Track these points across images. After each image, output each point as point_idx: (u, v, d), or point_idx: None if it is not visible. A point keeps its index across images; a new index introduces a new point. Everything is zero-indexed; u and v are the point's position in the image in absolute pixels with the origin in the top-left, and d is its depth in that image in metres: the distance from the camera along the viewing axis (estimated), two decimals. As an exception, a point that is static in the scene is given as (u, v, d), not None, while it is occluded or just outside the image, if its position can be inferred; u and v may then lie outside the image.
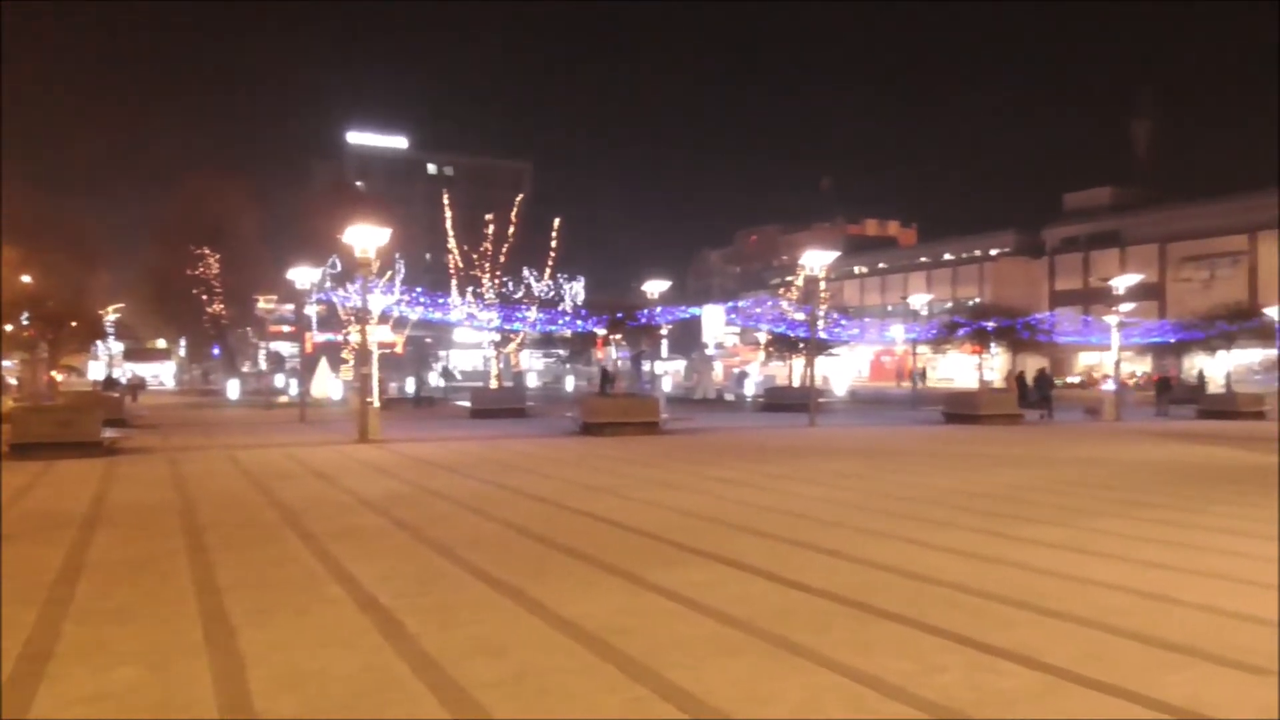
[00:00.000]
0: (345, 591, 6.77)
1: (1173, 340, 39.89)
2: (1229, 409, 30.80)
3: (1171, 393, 34.64)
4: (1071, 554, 8.04)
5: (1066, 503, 11.08)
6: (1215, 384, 39.54)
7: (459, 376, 74.16)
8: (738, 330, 67.40)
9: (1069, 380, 67.52)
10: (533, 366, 74.95)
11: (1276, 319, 34.64)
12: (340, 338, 47.76)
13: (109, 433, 18.27)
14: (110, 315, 51.91)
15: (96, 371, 56.79)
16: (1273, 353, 38.82)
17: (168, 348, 73.69)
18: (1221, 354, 38.50)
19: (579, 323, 36.21)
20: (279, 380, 54.80)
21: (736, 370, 63.85)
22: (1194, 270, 69.79)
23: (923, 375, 63.38)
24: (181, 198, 54.91)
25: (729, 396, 45.82)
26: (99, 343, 52.46)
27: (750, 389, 46.55)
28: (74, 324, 36.47)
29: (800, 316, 37.33)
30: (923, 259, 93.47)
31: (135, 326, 67.86)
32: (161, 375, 73.40)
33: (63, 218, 50.67)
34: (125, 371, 62.14)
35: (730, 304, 44.02)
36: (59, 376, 41.27)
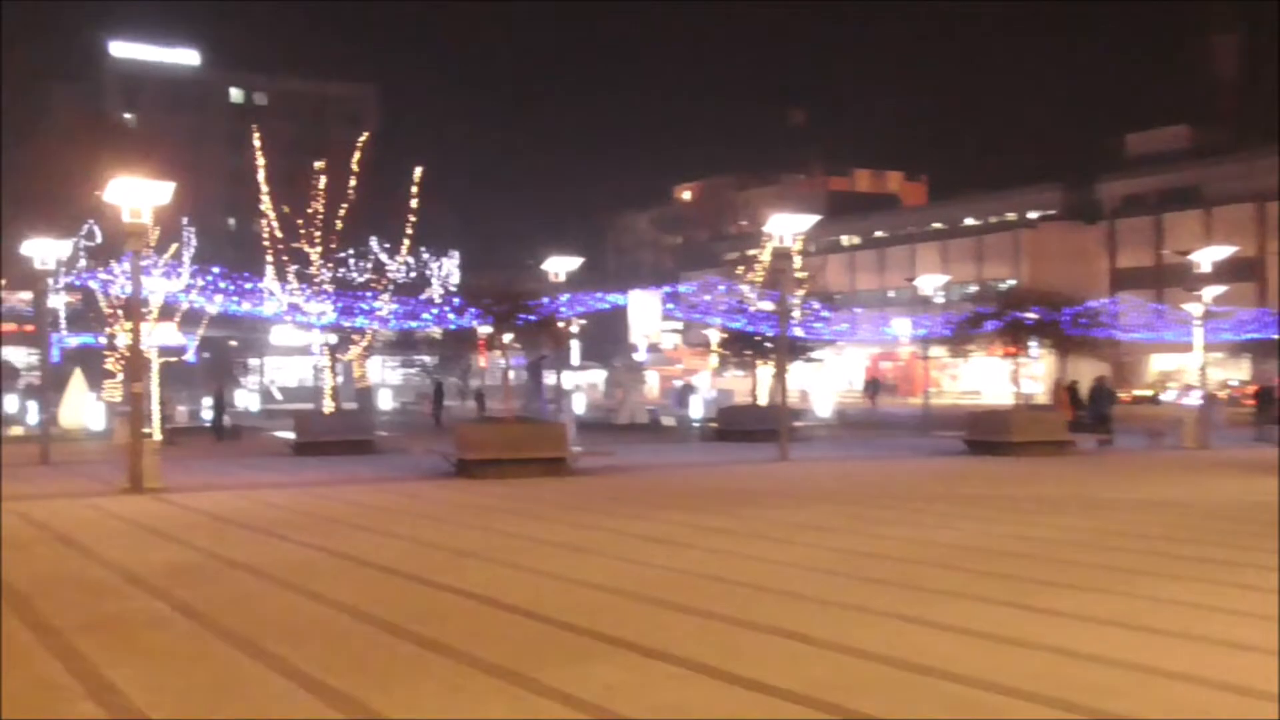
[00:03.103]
0: (103, 711, 6.68)
1: (1277, 336, 41.31)
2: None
3: (1276, 408, 35.75)
4: (1126, 633, 8.30)
5: (1120, 562, 11.44)
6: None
7: (278, 395, 73.44)
8: (679, 326, 67.89)
9: (1138, 393, 69.17)
10: (386, 381, 74.56)
11: None
12: (102, 340, 46.78)
13: None
14: None
15: None
16: None
17: None
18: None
19: (451, 316, 36.18)
20: (9, 403, 53.48)
21: (678, 383, 64.32)
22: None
23: (889, 389, 64.51)
24: None
25: (667, 420, 46.13)
26: None
27: (697, 409, 46.89)
28: None
29: (766, 306, 37.69)
30: (936, 225, 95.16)
31: None
32: None
33: None
34: None
35: (668, 289, 44.31)
36: None
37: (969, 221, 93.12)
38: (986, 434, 28.20)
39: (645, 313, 42.13)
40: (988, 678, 7.10)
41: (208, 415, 46.43)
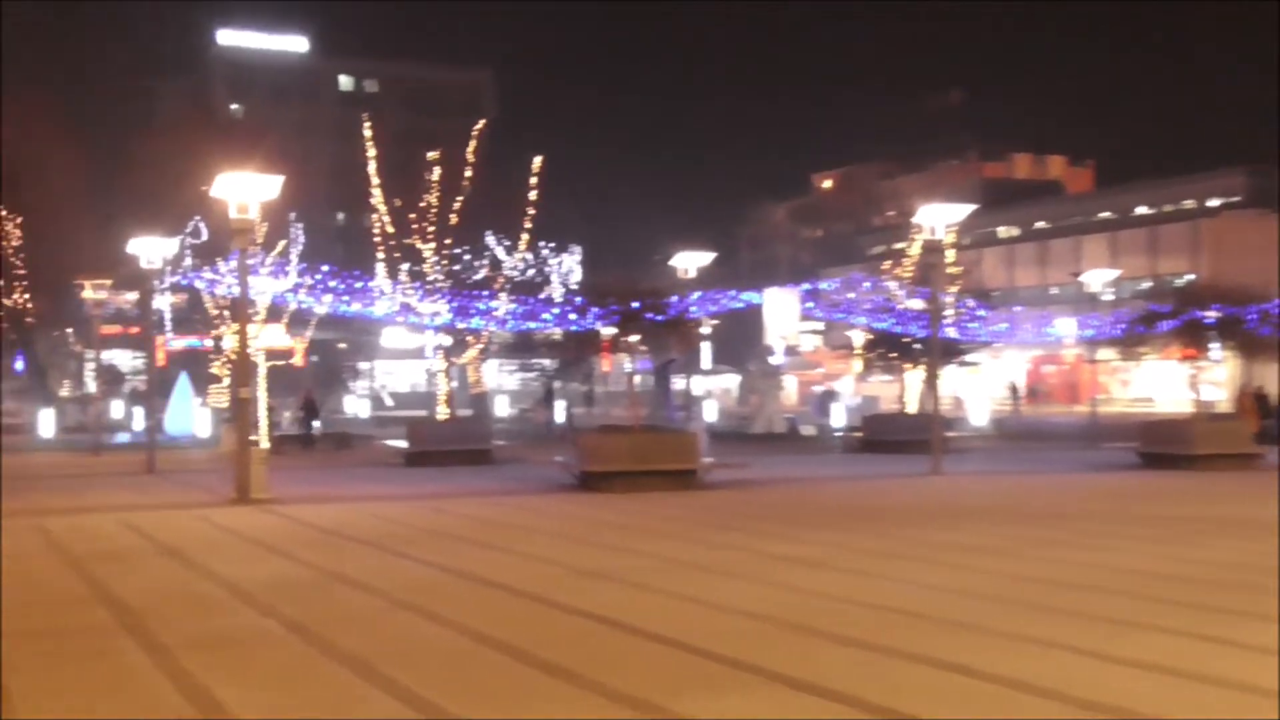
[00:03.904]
0: (212, 733, 6.83)
1: None
2: None
3: None
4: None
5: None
6: None
7: (389, 401, 74.64)
8: (819, 327, 67.39)
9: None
10: (503, 386, 75.30)
11: None
12: (208, 343, 47.96)
13: None
14: None
15: None
16: None
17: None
18: None
19: (573, 316, 36.39)
20: (115, 409, 55.11)
21: (818, 389, 63.92)
22: None
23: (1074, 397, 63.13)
24: None
25: (806, 429, 45.85)
26: None
27: (839, 418, 46.56)
28: None
29: (916, 305, 37.28)
30: (1103, 214, 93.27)
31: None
32: None
33: None
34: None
35: (807, 286, 44.07)
36: None
37: (1141, 210, 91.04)
38: (1162, 446, 27.52)
39: (782, 312, 41.93)
40: (1172, 717, 6.90)
41: (314, 422, 47.37)
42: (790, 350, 51.24)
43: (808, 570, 12.59)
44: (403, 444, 30.94)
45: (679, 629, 9.46)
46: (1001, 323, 45.79)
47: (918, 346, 36.84)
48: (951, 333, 37.70)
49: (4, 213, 52.76)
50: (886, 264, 42.93)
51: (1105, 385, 68.25)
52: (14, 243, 53.19)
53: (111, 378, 62.78)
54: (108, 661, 8.61)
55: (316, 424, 40.50)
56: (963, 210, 28.19)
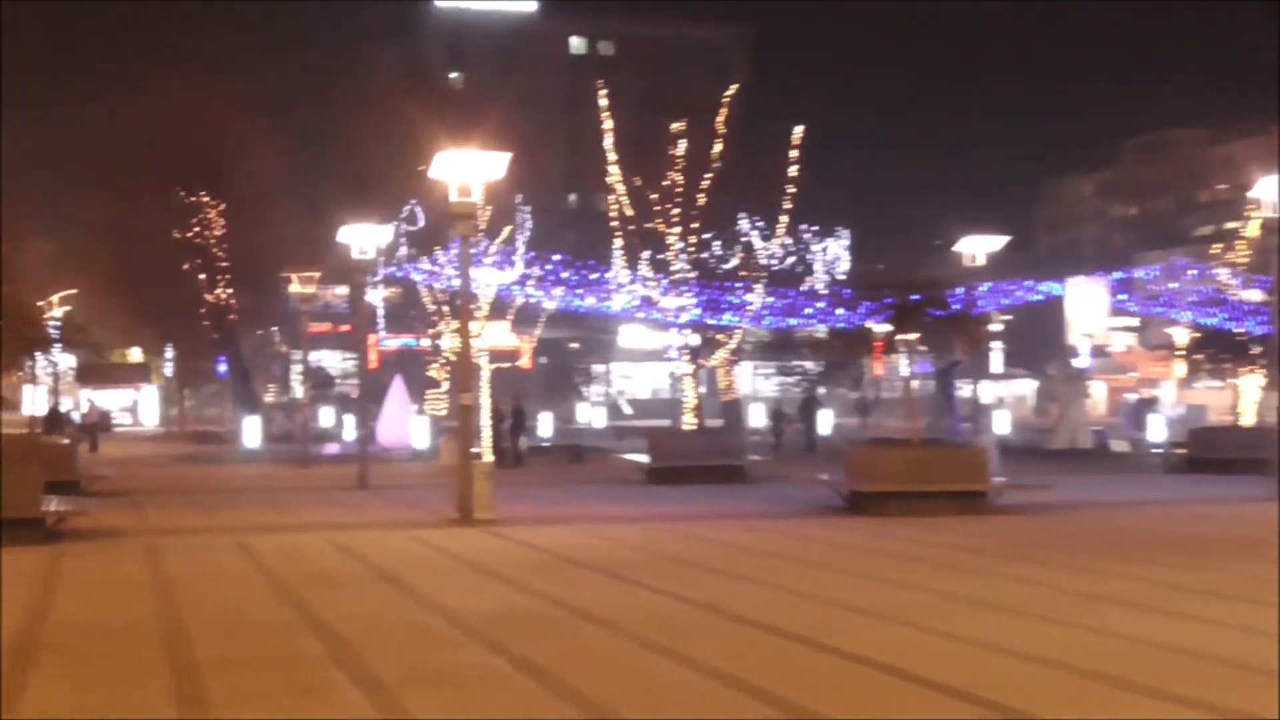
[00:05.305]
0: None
1: None
2: None
3: None
4: None
5: None
6: None
7: (628, 409, 75.47)
8: (1133, 323, 65.66)
9: None
10: (758, 392, 75.38)
11: None
12: (425, 343, 49.08)
13: (53, 504, 19.50)
14: (55, 310, 54.41)
15: (33, 403, 60.01)
16: None
17: (145, 362, 78.04)
18: None
19: (839, 312, 36.10)
20: (324, 416, 56.92)
21: (1132, 396, 62.22)
22: None
23: None
24: (154, 112, 56.55)
25: (1118, 444, 44.65)
26: (38, 356, 55.55)
27: (1158, 431, 45.15)
28: None
29: (1253, 296, 36.01)
30: None
31: (94, 327, 71.50)
32: (136, 408, 77.85)
33: None
34: (78, 401, 66.00)
35: (1117, 274, 42.95)
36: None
37: None
38: None
39: (1088, 305, 41.00)
40: None
41: (545, 432, 48.03)
42: (1098, 351, 50.05)
43: (1117, 610, 12.25)
44: (643, 458, 31.15)
45: (961, 676, 9.32)
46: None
47: (1255, 347, 35.58)
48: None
49: (205, 199, 54.55)
50: (1216, 247, 41.57)
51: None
52: (216, 232, 54.79)
53: (320, 381, 64.68)
54: (316, 698, 8.89)
55: (524, 439, 39.70)
56: (1312, 181, 27.10)
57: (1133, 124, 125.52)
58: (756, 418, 58.99)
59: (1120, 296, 41.67)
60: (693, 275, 38.16)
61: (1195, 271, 40.31)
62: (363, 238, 32.71)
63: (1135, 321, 61.81)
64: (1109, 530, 19.99)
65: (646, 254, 38.57)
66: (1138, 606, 12.52)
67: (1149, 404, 51.93)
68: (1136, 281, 42.02)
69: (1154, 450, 41.07)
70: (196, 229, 54.41)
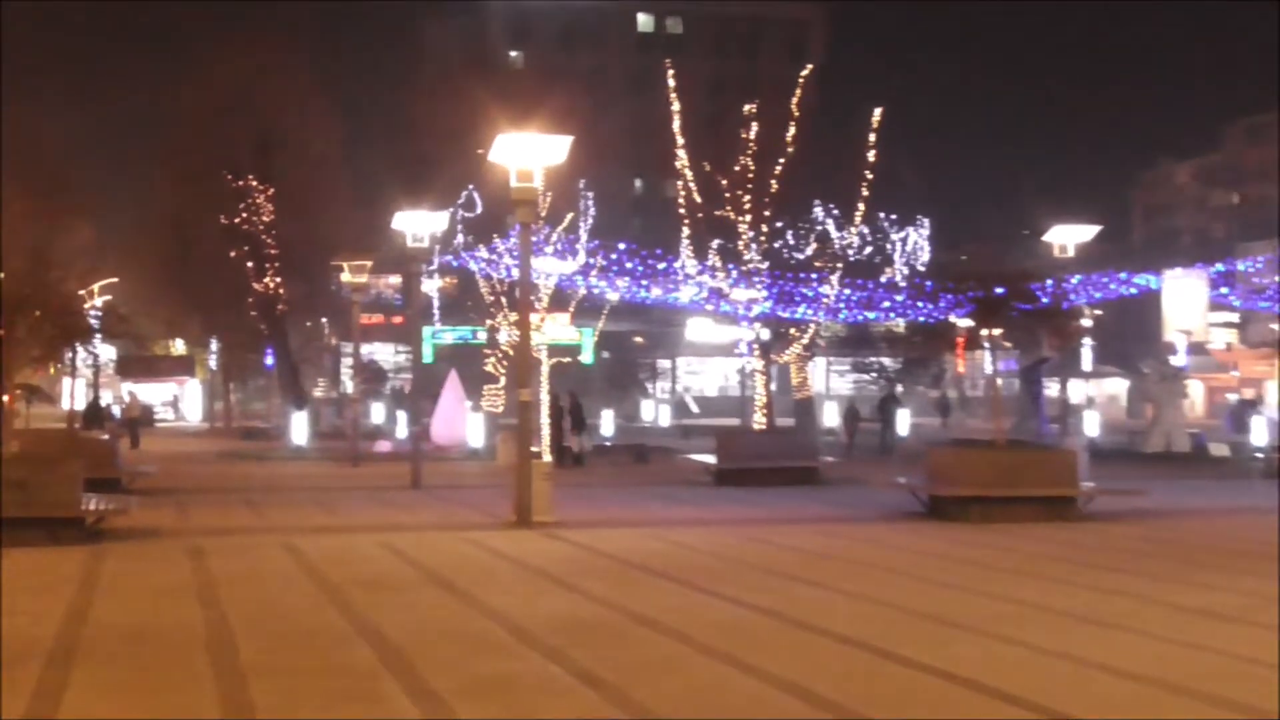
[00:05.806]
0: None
1: None
2: None
3: None
4: None
5: None
6: None
7: (695, 407, 75.38)
8: (1235, 319, 65.04)
9: None
10: (833, 390, 75.12)
11: None
12: (482, 335, 49.08)
13: (94, 502, 19.68)
14: (95, 299, 54.70)
15: (72, 396, 60.51)
16: None
17: (189, 354, 78.56)
18: None
19: (921, 305, 35.85)
20: (375, 412, 57.01)
21: (1234, 397, 61.57)
22: None
23: None
24: (202, 89, 56.61)
25: (1217, 448, 44.16)
26: (77, 347, 55.90)
27: (1261, 434, 44.63)
28: (35, 313, 39.07)
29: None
30: None
31: (136, 318, 72.04)
32: (179, 402, 78.51)
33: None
34: (119, 395, 66.60)
35: (1219, 267, 42.54)
36: (15, 406, 44.28)
37: None
38: None
39: (1186, 300, 40.67)
40: None
41: (607, 430, 47.96)
42: (1196, 348, 49.58)
43: (1217, 625, 12.13)
44: (711, 459, 31.07)
45: (1048, 692, 9.27)
46: None
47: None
48: None
49: (254, 184, 54.58)
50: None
51: None
52: (265, 218, 54.78)
53: (372, 376, 64.78)
54: (367, 708, 8.94)
55: (583, 438, 38.79)
56: None
57: (1235, 104, 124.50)
58: (830, 417, 58.85)
59: (1221, 290, 41.30)
60: (764, 266, 38.08)
61: (1301, 264, 39.87)
62: (418, 224, 32.66)
63: (1236, 317, 61.26)
64: (1206, 540, 19.78)
65: (716, 243, 38.51)
66: (1236, 620, 12.39)
67: (1251, 405, 51.31)
68: (1238, 274, 41.67)
69: (1256, 455, 40.54)
70: (244, 214, 54.24)
